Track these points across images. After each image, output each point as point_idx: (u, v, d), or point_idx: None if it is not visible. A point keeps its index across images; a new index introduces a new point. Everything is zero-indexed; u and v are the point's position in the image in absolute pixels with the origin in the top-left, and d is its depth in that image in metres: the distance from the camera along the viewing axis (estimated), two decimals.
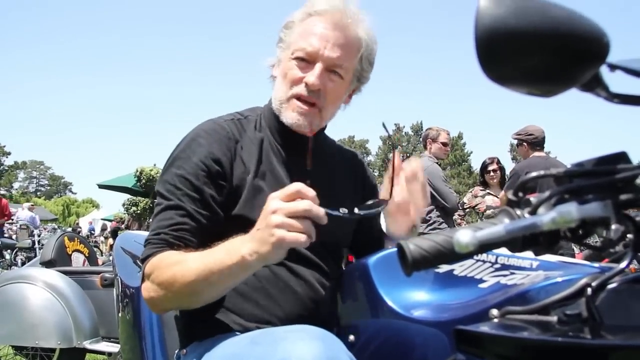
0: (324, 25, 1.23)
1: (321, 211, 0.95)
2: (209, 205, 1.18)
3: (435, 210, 4.80)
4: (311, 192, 0.96)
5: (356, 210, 1.02)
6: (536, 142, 4.77)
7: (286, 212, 0.95)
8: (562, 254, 3.77)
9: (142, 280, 1.17)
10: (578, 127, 78.73)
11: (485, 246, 0.62)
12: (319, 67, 1.21)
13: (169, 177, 1.21)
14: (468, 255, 0.66)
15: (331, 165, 1.39)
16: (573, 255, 4.14)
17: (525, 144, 4.83)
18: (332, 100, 1.27)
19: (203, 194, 1.18)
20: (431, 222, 4.74)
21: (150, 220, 1.29)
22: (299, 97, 1.24)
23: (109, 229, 18.08)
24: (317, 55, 1.22)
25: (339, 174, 1.40)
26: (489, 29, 0.57)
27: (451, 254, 0.65)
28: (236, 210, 1.20)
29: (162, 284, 1.11)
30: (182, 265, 1.08)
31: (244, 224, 1.16)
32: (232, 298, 1.20)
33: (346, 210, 1.00)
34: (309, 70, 1.22)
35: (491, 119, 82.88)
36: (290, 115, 1.25)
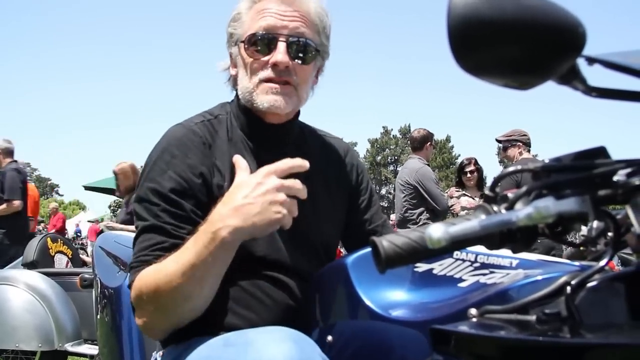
0: (274, 3, 1.18)
1: (305, 192, 1.01)
2: (190, 219, 1.12)
3: (425, 212, 4.81)
4: (305, 164, 1.02)
5: None
6: (529, 143, 4.84)
7: (287, 190, 0.98)
8: (554, 255, 3.80)
9: (133, 310, 1.13)
10: (564, 131, 79.52)
11: (458, 242, 0.60)
12: (282, 45, 1.16)
13: (143, 193, 1.15)
14: (442, 252, 0.64)
15: (311, 155, 1.30)
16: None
17: (520, 143, 4.86)
18: (303, 77, 1.21)
19: (183, 207, 1.12)
20: (420, 224, 4.75)
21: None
22: (269, 81, 1.17)
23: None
24: (276, 33, 1.17)
25: (320, 163, 1.31)
26: (461, 18, 0.55)
27: (425, 251, 0.63)
28: None
29: (149, 301, 1.06)
30: (161, 272, 1.04)
31: None
32: (210, 307, 1.11)
33: None
34: (271, 52, 1.17)
35: (479, 122, 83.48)
36: (266, 99, 1.17)
